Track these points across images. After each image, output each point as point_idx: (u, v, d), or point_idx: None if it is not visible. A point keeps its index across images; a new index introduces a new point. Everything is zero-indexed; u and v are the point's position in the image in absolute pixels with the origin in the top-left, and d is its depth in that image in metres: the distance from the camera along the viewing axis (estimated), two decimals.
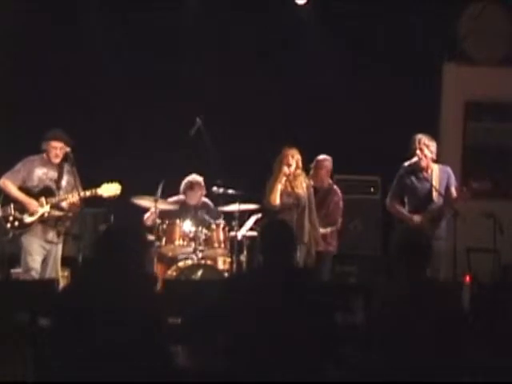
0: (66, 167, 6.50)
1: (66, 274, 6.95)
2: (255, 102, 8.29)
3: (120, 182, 6.51)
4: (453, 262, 6.37)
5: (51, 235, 6.43)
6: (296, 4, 8.34)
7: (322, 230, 7.05)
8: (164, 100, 8.28)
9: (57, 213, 6.41)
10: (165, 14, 8.25)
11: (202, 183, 7.38)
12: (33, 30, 8.04)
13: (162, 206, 7.13)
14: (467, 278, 5.98)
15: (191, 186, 7.36)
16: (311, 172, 7.24)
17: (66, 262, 6.76)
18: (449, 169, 6.74)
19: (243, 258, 7.20)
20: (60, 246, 6.54)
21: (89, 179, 6.54)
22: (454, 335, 3.73)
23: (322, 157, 7.35)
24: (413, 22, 8.33)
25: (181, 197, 7.44)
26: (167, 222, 7.09)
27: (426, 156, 6.56)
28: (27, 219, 6.33)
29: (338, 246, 7.38)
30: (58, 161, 6.45)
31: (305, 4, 8.33)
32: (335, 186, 7.44)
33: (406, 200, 6.67)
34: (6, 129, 7.91)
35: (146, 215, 7.25)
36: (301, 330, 3.62)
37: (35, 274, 6.31)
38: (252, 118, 8.20)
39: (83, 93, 8.08)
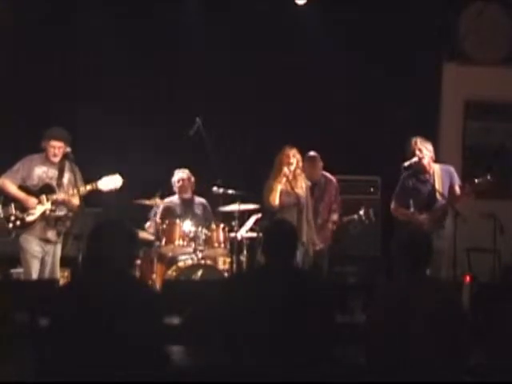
0: (67, 165, 6.43)
1: (65, 274, 6.95)
2: (255, 101, 8.29)
3: (121, 175, 6.42)
4: (453, 262, 6.37)
5: (50, 234, 6.36)
6: (296, 4, 8.33)
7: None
8: (164, 100, 8.28)
9: (58, 211, 6.34)
10: (165, 13, 8.25)
11: (189, 176, 7.45)
12: (32, 30, 8.05)
13: (162, 205, 7.17)
14: (467, 278, 5.98)
15: (181, 183, 7.47)
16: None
17: (66, 262, 6.74)
18: (451, 168, 6.74)
19: (243, 258, 7.21)
20: (59, 246, 6.47)
21: (89, 180, 6.52)
22: (454, 335, 3.73)
23: (311, 153, 7.31)
24: (413, 21, 8.33)
25: (176, 196, 7.49)
26: (167, 221, 7.10)
27: (426, 155, 6.58)
28: (29, 218, 6.26)
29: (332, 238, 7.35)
30: (56, 160, 6.37)
31: (305, 4, 8.33)
32: (328, 175, 7.40)
33: (410, 202, 6.66)
34: (5, 129, 7.90)
35: (147, 224, 7.30)
36: (301, 330, 3.62)
37: (35, 273, 6.27)
38: (252, 117, 8.21)
39: (83, 93, 8.07)
